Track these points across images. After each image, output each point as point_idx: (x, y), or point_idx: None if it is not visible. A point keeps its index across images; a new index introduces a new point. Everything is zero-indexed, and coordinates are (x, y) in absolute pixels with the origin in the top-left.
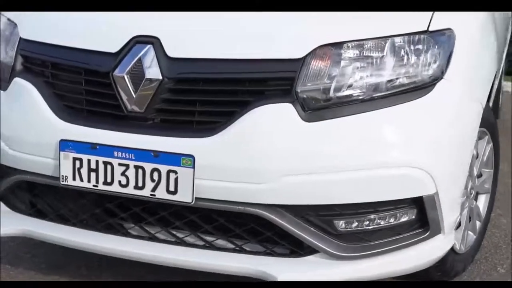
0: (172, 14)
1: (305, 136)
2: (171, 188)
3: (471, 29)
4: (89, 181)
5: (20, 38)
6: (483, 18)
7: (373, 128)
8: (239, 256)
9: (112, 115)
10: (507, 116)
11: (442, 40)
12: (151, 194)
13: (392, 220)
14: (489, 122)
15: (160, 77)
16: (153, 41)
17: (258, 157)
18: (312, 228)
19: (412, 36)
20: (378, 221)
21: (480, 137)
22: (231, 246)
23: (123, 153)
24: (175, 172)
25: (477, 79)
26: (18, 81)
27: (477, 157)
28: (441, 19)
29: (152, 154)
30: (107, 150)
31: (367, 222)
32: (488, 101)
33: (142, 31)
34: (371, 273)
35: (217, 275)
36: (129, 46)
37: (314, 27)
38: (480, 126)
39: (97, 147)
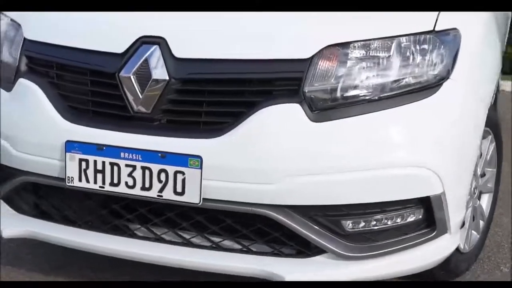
0: (178, 14)
1: (312, 136)
2: (179, 189)
3: (476, 28)
4: (95, 182)
5: (25, 38)
6: (486, 18)
7: (380, 128)
8: (246, 257)
9: (118, 116)
10: (507, 116)
11: (448, 40)
12: (158, 195)
13: (399, 220)
14: (493, 121)
15: (167, 78)
16: (159, 42)
17: (266, 158)
18: (319, 229)
19: (418, 36)
20: (385, 221)
21: (483, 137)
22: (238, 246)
23: (130, 154)
24: (183, 173)
25: (482, 78)
26: (22, 82)
27: (480, 156)
28: (447, 19)
29: (159, 155)
30: (113, 151)
31: (374, 222)
32: (492, 100)
33: (148, 32)
34: (378, 273)
35: (218, 275)
36: (135, 47)
37: (321, 27)
38: (484, 126)
39: (104, 148)
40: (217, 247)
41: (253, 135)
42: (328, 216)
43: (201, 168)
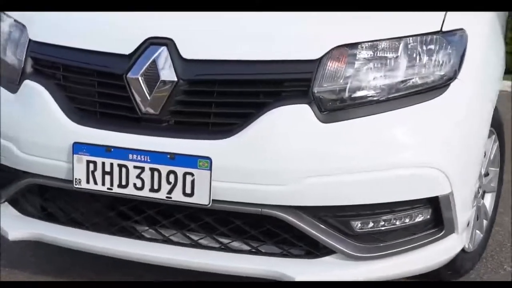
0: (186, 15)
1: (322, 137)
2: (188, 191)
3: (482, 29)
4: (103, 184)
5: (30, 40)
6: (491, 18)
7: (388, 129)
8: (255, 258)
9: (126, 117)
10: (507, 116)
11: (455, 40)
12: (167, 197)
13: (407, 220)
14: (496, 121)
15: (175, 79)
16: (167, 43)
17: (276, 159)
18: (329, 229)
19: (425, 36)
20: (394, 221)
21: (488, 136)
22: (247, 248)
23: (138, 156)
24: (192, 174)
25: (488, 78)
26: (28, 84)
27: (484, 156)
28: (454, 19)
29: (168, 156)
30: (122, 152)
31: (383, 223)
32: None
33: (156, 33)
34: (387, 273)
35: (222, 275)
36: (143, 48)
37: (329, 28)
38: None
39: (112, 149)
40: (226, 248)
41: (263, 136)
42: (337, 217)
43: (210, 169)
